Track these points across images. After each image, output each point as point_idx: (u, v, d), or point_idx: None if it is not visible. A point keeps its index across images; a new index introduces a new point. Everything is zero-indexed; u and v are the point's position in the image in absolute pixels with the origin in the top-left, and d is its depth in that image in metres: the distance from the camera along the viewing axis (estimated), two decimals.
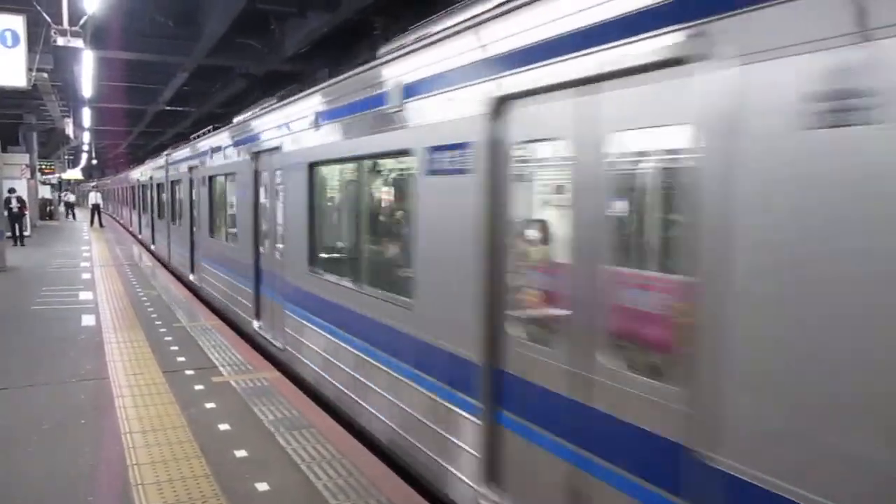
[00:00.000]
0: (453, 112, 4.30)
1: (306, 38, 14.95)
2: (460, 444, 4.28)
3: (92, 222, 35.40)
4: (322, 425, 5.86)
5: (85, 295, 12.63)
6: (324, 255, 7.16)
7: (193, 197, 14.22)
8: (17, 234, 23.25)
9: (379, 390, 5.43)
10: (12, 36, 11.40)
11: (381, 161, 5.96)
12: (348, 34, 15.09)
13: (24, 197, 25.45)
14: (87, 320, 10.27)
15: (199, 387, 6.94)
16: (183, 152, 16.25)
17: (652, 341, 3.16)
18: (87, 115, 27.81)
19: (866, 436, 2.07)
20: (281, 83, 21.33)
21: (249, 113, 10.37)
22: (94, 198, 37.85)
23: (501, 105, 3.84)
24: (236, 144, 10.53)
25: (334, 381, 6.41)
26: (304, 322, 7.22)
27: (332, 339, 6.43)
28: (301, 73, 18.60)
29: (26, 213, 24.92)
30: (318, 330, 6.80)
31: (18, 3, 11.83)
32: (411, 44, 5.06)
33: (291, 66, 17.32)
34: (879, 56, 2.00)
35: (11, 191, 23.50)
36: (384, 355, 5.33)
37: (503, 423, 3.93)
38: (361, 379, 5.78)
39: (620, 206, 3.25)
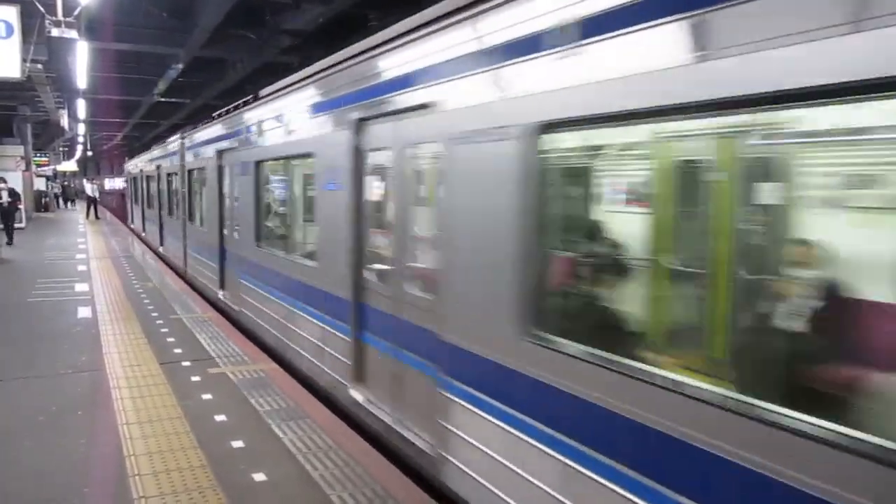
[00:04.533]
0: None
1: (301, 30, 14.92)
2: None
3: (88, 214, 35.67)
4: (318, 416, 5.89)
5: (81, 287, 12.61)
6: None
7: (225, 190, 10.90)
8: (9, 229, 20.31)
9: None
10: (6, 27, 11.35)
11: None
12: (343, 27, 15.07)
13: (19, 189, 25.27)
14: (84, 312, 10.27)
15: (195, 378, 6.96)
16: (210, 131, 12.27)
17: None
18: (81, 107, 27.71)
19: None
20: (276, 75, 21.26)
21: (347, 53, 6.34)
22: (91, 190, 39.17)
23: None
24: (317, 110, 6.82)
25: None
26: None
27: None
28: (296, 65, 18.54)
29: (20, 206, 23.19)
30: None
31: None
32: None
33: (287, 58, 17.29)
34: None
35: (1, 180, 21.75)
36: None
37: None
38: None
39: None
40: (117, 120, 37.73)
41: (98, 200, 37.58)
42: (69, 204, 49.08)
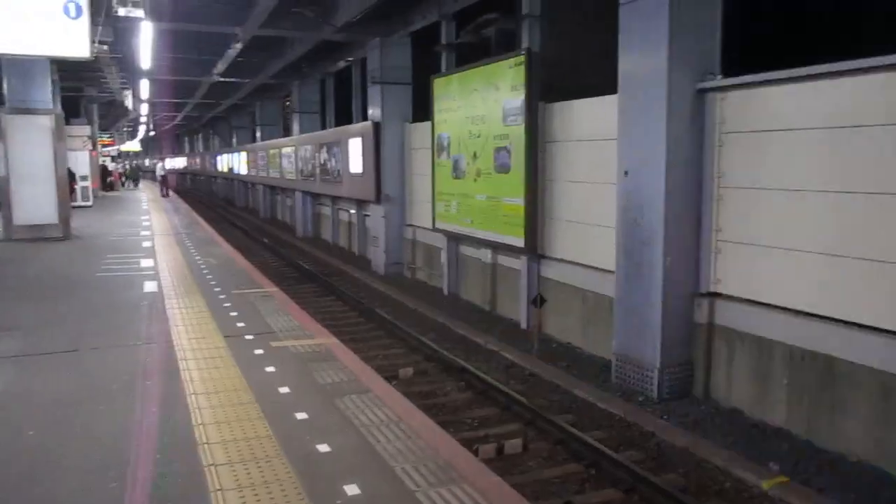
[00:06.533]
0: None
1: (359, 6, 14.90)
2: None
3: (163, 192, 38.30)
4: (379, 390, 5.94)
5: (146, 262, 13.00)
6: None
7: None
8: None
9: None
10: (76, 7, 11.61)
11: None
12: (401, 3, 15.00)
13: (86, 170, 26.24)
14: (150, 286, 10.58)
15: (258, 351, 7.10)
16: None
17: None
18: (144, 87, 28.40)
19: None
20: (334, 53, 21.33)
21: None
22: (160, 169, 46.85)
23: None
24: None
25: None
26: None
27: None
28: (353, 43, 18.59)
29: (76, 187, 23.67)
30: None
31: None
32: None
33: (344, 36, 17.32)
34: None
35: None
36: None
37: None
38: None
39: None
40: (177, 100, 38.56)
41: (167, 179, 41.71)
42: (133, 184, 49.41)
